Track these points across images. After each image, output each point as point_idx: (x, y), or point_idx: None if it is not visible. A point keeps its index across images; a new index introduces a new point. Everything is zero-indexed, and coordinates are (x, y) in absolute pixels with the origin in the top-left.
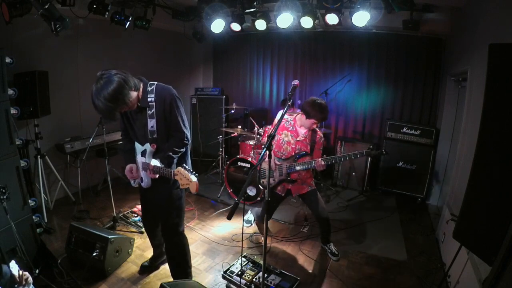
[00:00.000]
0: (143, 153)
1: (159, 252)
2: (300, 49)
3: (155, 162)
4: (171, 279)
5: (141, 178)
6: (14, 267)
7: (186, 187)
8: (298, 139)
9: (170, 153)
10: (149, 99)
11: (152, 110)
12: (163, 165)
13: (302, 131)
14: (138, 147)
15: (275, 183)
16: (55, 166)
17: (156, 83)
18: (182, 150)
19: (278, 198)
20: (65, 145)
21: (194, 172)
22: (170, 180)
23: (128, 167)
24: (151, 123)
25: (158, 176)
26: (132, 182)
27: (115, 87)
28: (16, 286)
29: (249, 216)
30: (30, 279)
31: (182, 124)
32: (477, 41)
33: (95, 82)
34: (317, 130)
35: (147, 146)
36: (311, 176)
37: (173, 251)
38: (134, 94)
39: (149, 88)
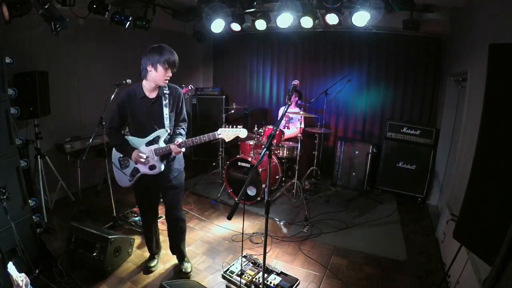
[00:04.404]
0: (153, 141)
1: (156, 249)
2: (300, 49)
3: (181, 138)
4: (171, 279)
5: (152, 165)
6: (12, 269)
7: (234, 137)
8: None
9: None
10: (164, 91)
11: (167, 101)
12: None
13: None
14: (138, 141)
15: None
16: (55, 166)
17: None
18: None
19: None
20: (65, 145)
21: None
22: (182, 163)
23: (135, 153)
24: (166, 111)
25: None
26: (128, 180)
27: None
28: None
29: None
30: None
31: (185, 115)
32: (477, 41)
33: (165, 47)
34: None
35: (161, 132)
36: None
37: (178, 234)
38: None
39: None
